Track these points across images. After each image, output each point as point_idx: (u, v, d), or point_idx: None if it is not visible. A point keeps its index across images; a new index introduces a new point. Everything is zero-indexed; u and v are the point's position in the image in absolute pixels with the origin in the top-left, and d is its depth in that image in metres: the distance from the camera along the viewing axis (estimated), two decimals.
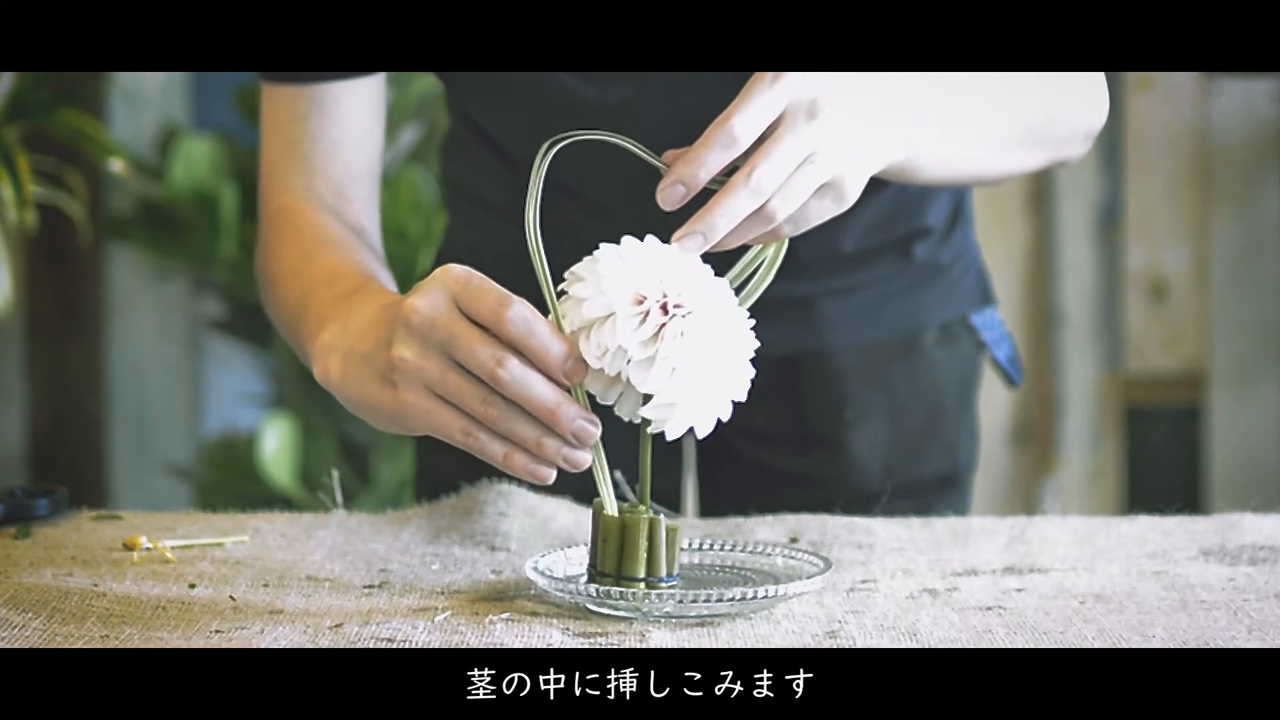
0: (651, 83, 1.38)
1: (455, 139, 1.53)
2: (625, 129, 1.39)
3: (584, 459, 1.12)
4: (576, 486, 1.36)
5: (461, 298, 1.11)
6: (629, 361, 1.09)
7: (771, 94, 1.13)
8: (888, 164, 1.20)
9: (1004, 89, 1.31)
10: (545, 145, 1.14)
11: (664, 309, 1.09)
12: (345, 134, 1.41)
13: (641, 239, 1.12)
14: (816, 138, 1.13)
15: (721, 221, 1.12)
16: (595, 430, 1.11)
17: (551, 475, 1.13)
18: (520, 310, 1.10)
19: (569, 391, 1.11)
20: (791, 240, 1.46)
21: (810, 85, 1.15)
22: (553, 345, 1.10)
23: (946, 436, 1.53)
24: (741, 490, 1.50)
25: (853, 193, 1.16)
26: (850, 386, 1.49)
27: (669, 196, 1.13)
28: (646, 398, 1.11)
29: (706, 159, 1.12)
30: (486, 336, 1.10)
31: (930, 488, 1.51)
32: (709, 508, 1.53)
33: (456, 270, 1.12)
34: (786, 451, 1.50)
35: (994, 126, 1.31)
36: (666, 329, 1.09)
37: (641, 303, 1.09)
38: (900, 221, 1.49)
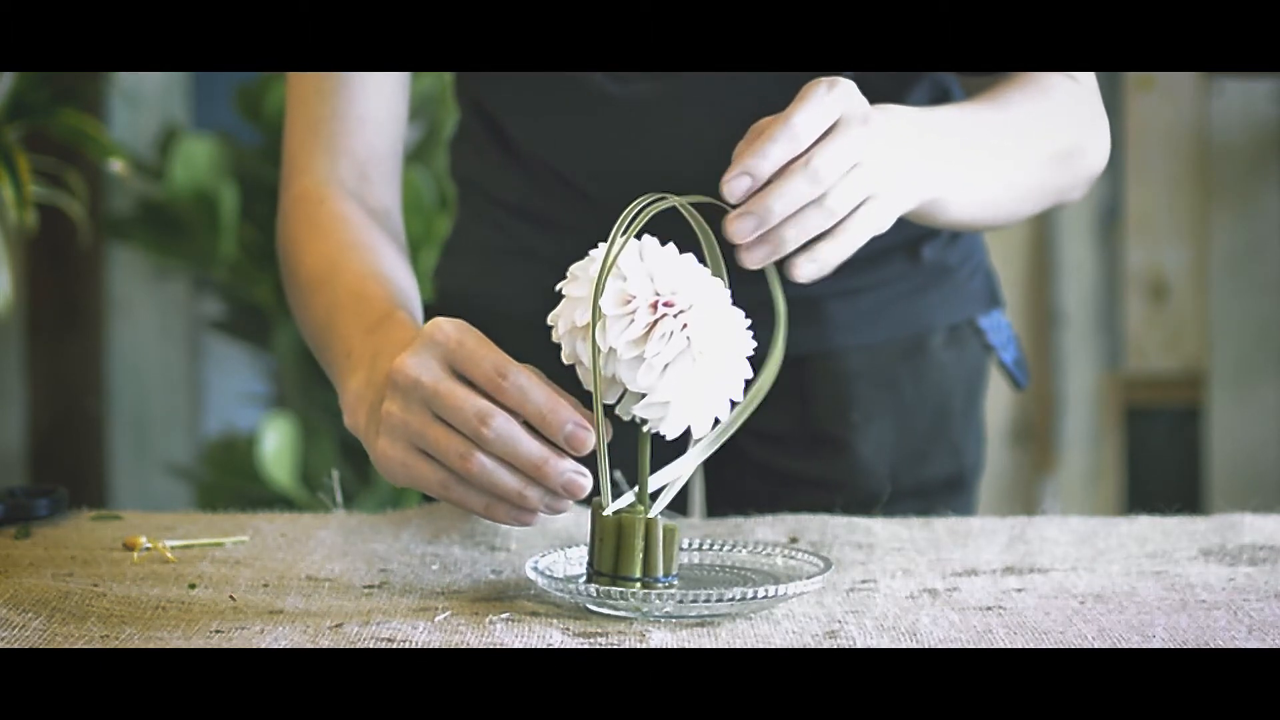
0: (675, 78, 1.38)
1: (466, 134, 1.53)
2: (648, 125, 1.40)
3: (567, 506, 1.12)
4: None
5: (455, 359, 1.11)
6: (619, 361, 1.09)
7: (830, 98, 1.14)
8: (919, 200, 1.20)
9: (1025, 137, 1.32)
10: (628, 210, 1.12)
11: (653, 308, 1.09)
12: (370, 112, 1.40)
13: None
14: (868, 145, 1.14)
15: (778, 205, 1.11)
16: (586, 483, 1.11)
17: (536, 520, 1.13)
18: (517, 379, 1.10)
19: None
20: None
21: (862, 98, 1.16)
22: (551, 412, 1.10)
23: (953, 439, 1.53)
24: (748, 491, 1.50)
25: (891, 212, 1.17)
26: (857, 387, 1.49)
27: (735, 188, 1.12)
28: (643, 397, 1.11)
29: (770, 151, 1.12)
30: (472, 393, 1.10)
31: (936, 490, 1.51)
32: (716, 509, 1.53)
33: (449, 329, 1.12)
34: (793, 452, 1.50)
35: (1015, 175, 1.32)
36: (656, 328, 1.09)
37: (629, 302, 1.09)
38: (908, 222, 1.50)
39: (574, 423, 1.10)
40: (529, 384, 1.10)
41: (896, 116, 1.19)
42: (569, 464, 1.11)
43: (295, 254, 1.37)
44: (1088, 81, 1.38)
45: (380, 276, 1.30)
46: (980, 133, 1.28)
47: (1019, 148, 1.32)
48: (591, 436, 1.10)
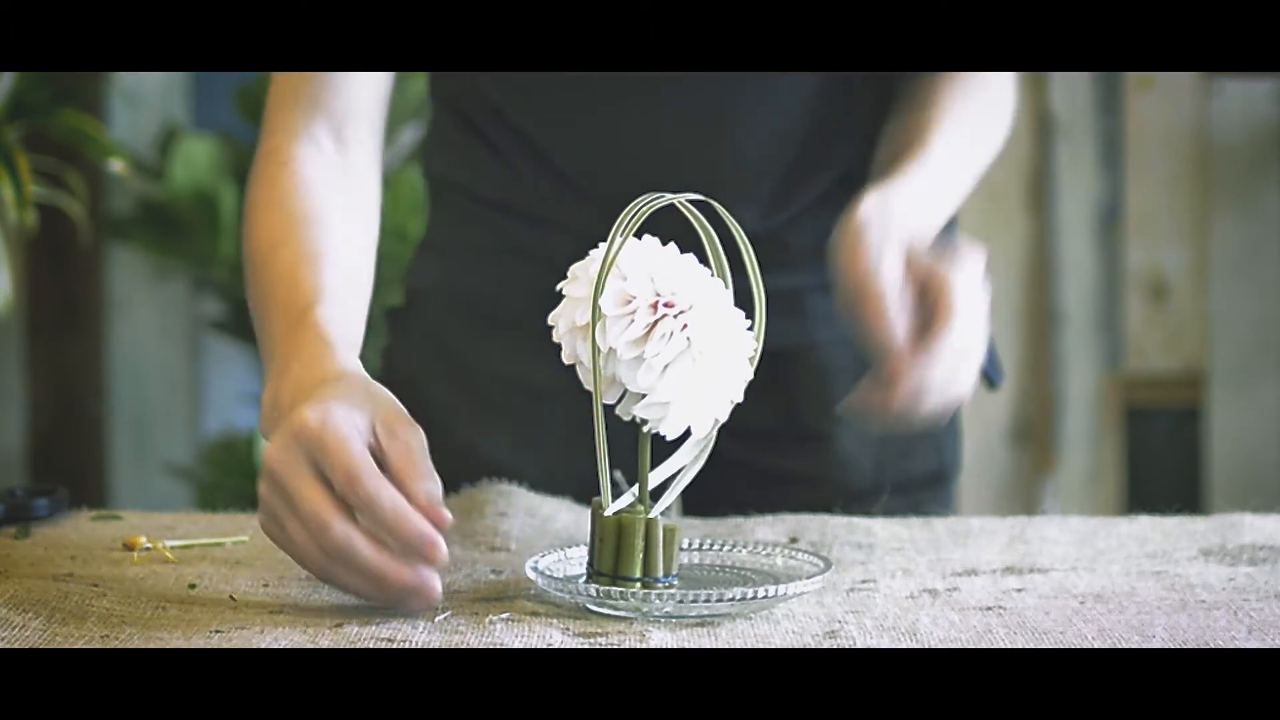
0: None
1: (442, 132, 1.52)
2: (642, 111, 1.40)
3: (434, 597, 1.10)
4: (576, 486, 1.36)
5: (317, 459, 1.09)
6: (619, 361, 1.09)
7: (877, 235, 1.23)
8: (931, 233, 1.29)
9: (982, 147, 1.41)
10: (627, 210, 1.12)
11: (653, 308, 1.09)
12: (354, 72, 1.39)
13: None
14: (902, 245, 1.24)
15: (936, 375, 1.22)
16: (433, 586, 1.08)
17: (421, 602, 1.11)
18: (364, 489, 1.07)
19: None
20: (781, 233, 1.47)
21: (889, 206, 1.24)
22: (397, 525, 1.07)
23: (934, 434, 1.53)
24: (730, 488, 1.50)
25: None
26: (839, 382, 1.49)
27: (902, 402, 1.21)
28: (643, 397, 1.11)
29: (891, 322, 1.21)
30: (318, 497, 1.08)
31: (919, 485, 1.51)
32: (696, 507, 1.52)
33: (311, 423, 1.09)
34: (775, 448, 1.50)
35: (971, 183, 1.40)
36: (656, 328, 1.09)
37: (629, 302, 1.09)
38: None
39: (419, 537, 1.07)
40: (376, 494, 1.07)
41: (907, 200, 1.27)
42: (409, 573, 1.08)
43: (251, 220, 1.34)
44: None
45: (316, 259, 1.27)
46: (954, 167, 1.36)
47: (977, 163, 1.40)
48: (441, 550, 1.08)
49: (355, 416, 1.11)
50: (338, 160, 1.37)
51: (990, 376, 1.59)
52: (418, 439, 1.11)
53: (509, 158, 1.47)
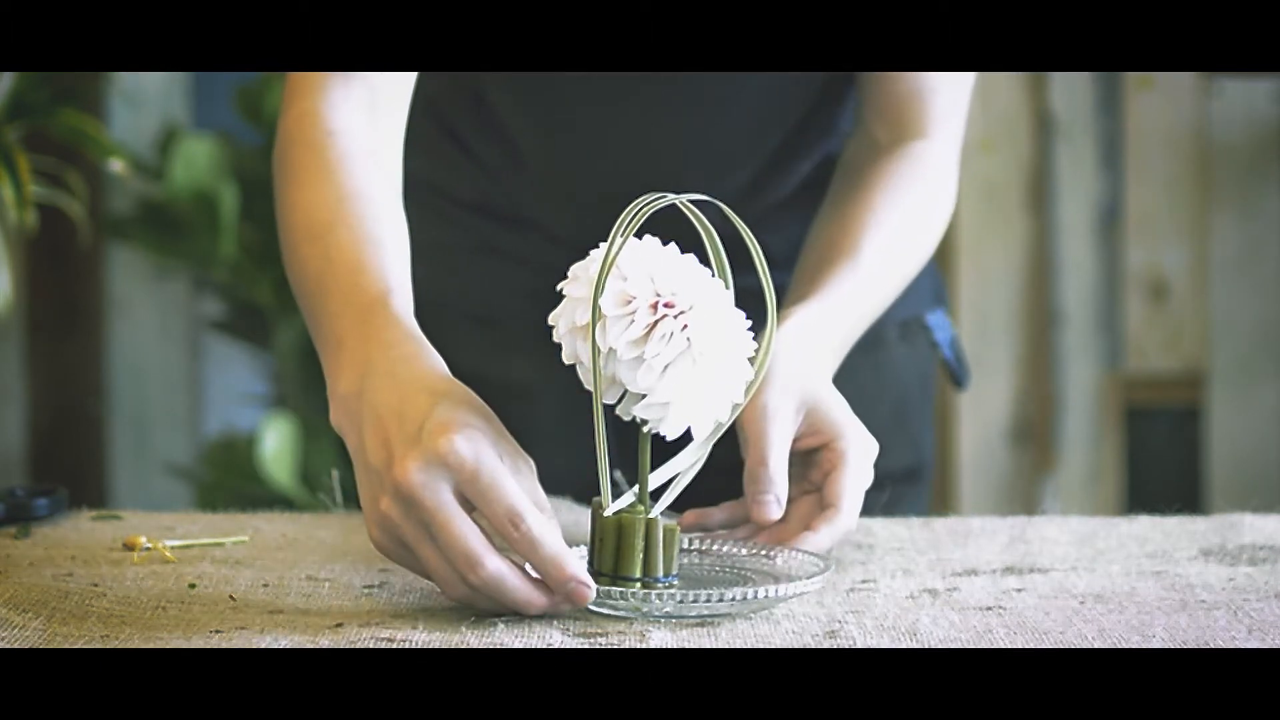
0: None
1: (413, 133, 1.52)
2: (621, 111, 1.40)
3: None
4: (577, 486, 1.36)
5: (467, 491, 1.08)
6: (619, 362, 1.09)
7: (788, 419, 1.23)
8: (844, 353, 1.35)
9: (910, 258, 1.41)
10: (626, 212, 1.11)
11: (653, 308, 1.09)
12: None
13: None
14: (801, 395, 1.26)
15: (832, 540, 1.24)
16: (583, 597, 1.09)
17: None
18: (529, 531, 1.08)
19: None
20: (762, 235, 1.47)
21: (791, 387, 1.25)
22: (556, 568, 1.08)
23: (911, 430, 1.54)
24: (711, 489, 1.49)
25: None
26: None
27: (769, 513, 1.21)
28: (644, 398, 1.11)
29: (780, 488, 1.22)
30: (468, 530, 1.08)
31: (896, 480, 1.51)
32: (677, 507, 1.52)
33: (464, 452, 1.08)
34: None
35: (902, 286, 1.42)
36: (656, 329, 1.09)
37: (630, 302, 1.09)
38: None
39: (576, 581, 1.08)
40: (539, 536, 1.08)
41: (820, 350, 1.30)
42: (548, 603, 1.09)
43: (292, 189, 1.28)
44: (950, 132, 1.44)
45: (377, 242, 1.23)
46: (881, 278, 1.37)
47: (910, 264, 1.41)
48: (592, 592, 1.09)
49: (494, 446, 1.10)
50: (373, 129, 1.32)
51: (958, 378, 1.60)
52: (533, 468, 1.12)
53: (482, 157, 1.47)
